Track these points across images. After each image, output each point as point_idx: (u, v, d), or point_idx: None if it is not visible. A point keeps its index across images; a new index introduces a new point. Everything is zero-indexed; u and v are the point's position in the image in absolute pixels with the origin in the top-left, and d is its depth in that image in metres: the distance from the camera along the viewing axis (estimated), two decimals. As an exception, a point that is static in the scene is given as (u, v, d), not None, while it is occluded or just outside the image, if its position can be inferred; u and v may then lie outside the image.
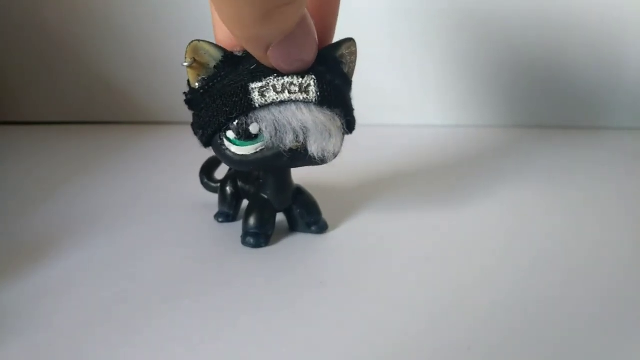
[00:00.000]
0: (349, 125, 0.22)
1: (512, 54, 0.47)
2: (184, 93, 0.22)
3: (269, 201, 0.25)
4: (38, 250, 0.24)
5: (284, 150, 0.20)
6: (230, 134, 0.21)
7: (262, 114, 0.20)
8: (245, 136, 0.20)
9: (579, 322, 0.18)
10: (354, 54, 0.22)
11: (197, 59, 0.20)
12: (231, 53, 0.20)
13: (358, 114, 0.23)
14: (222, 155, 0.21)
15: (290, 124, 0.20)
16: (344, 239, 0.25)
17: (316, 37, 0.19)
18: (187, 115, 0.22)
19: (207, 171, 0.30)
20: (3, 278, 0.22)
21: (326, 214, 0.26)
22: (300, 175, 0.25)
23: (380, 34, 0.47)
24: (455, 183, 0.33)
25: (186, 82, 0.22)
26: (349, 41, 0.22)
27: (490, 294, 0.20)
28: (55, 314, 0.19)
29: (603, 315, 0.19)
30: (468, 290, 0.20)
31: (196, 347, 0.17)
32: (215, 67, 0.21)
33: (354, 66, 0.23)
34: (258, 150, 0.21)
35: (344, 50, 0.22)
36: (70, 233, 0.26)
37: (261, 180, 0.25)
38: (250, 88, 0.20)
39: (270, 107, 0.20)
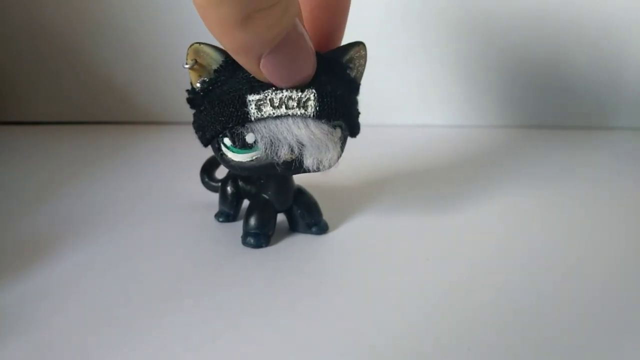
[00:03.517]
0: (352, 129, 0.22)
1: (513, 54, 0.47)
2: (187, 90, 0.22)
3: (269, 201, 0.25)
4: (38, 251, 0.24)
5: (277, 163, 0.20)
6: (227, 140, 0.21)
7: (258, 126, 0.20)
8: (241, 145, 0.20)
9: (578, 323, 0.18)
10: (363, 57, 0.22)
11: (198, 60, 0.20)
12: (232, 57, 0.20)
13: (361, 113, 0.23)
14: (219, 159, 0.21)
15: (286, 139, 0.20)
16: (344, 239, 0.25)
17: (312, 48, 0.19)
18: (187, 115, 0.22)
19: (207, 171, 0.30)
20: (3, 278, 0.22)
21: (326, 215, 0.26)
22: (300, 175, 0.25)
23: (380, 34, 0.47)
24: (455, 183, 0.33)
25: (189, 82, 0.22)
26: (358, 45, 0.21)
27: (491, 294, 0.20)
28: (56, 314, 0.19)
29: (603, 315, 0.19)
30: (468, 291, 0.20)
31: (197, 347, 0.17)
32: (215, 70, 0.20)
33: (363, 70, 0.22)
34: (253, 158, 0.20)
35: (352, 55, 0.21)
36: (71, 233, 0.26)
37: (262, 181, 0.25)
38: (247, 100, 0.19)
39: (266, 120, 0.20)
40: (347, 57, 0.21)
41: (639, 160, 0.39)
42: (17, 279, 0.21)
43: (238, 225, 0.26)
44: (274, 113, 0.19)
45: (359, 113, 0.23)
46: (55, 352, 0.17)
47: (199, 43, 0.20)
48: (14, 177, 0.37)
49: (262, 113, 0.19)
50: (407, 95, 0.49)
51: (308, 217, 0.25)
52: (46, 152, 0.44)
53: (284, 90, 0.19)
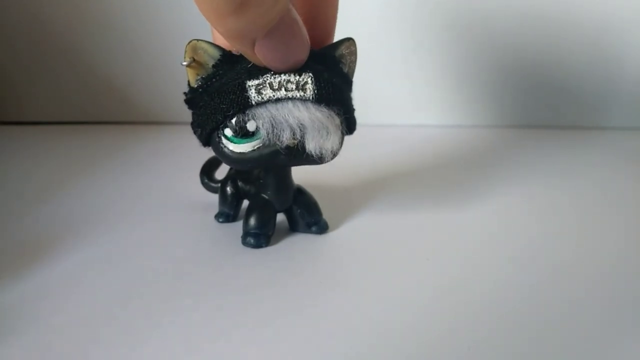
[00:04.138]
0: (349, 125, 0.22)
1: (512, 54, 0.47)
2: (184, 93, 0.22)
3: (269, 201, 0.25)
4: (38, 251, 0.24)
5: (281, 148, 0.20)
6: (228, 131, 0.21)
7: (259, 111, 0.20)
8: (242, 133, 0.20)
9: (578, 322, 0.18)
10: (353, 53, 0.22)
11: (195, 58, 0.20)
12: (229, 52, 0.20)
13: (358, 114, 0.23)
14: (220, 154, 0.21)
15: (287, 121, 0.20)
16: (344, 239, 0.25)
17: (305, 33, 0.19)
18: (187, 115, 0.22)
19: (207, 171, 0.30)
20: (3, 278, 0.22)
21: (326, 214, 0.26)
22: (300, 175, 0.25)
23: (379, 33, 0.47)
24: (454, 183, 0.33)
25: (187, 83, 0.22)
26: (348, 41, 0.22)
27: (490, 294, 0.20)
28: (56, 314, 0.19)
29: (602, 315, 0.19)
30: (468, 290, 0.20)
31: (197, 347, 0.17)
32: (213, 66, 0.21)
33: (354, 66, 0.23)
34: (255, 147, 0.21)
35: (343, 50, 0.22)
36: (71, 233, 0.26)
37: (261, 181, 0.25)
38: (247, 85, 0.20)
39: (267, 105, 0.20)
40: (339, 52, 0.22)
41: (632, 160, 0.39)
42: (17, 279, 0.21)
43: (238, 225, 0.26)
44: (274, 95, 0.20)
45: (354, 109, 0.23)
46: (55, 352, 0.17)
47: (197, 40, 0.20)
48: (14, 177, 0.37)
49: (263, 96, 0.20)
50: (406, 95, 0.50)
51: (308, 216, 0.25)
52: (46, 152, 0.44)
53: (282, 74, 0.20)
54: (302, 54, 0.20)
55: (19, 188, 0.34)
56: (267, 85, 0.20)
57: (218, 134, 0.21)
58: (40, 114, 0.53)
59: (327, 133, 0.20)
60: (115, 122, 0.53)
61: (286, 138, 0.20)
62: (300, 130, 0.20)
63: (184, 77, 0.22)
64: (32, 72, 0.52)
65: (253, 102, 0.20)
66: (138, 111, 0.52)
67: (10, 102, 0.53)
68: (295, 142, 0.20)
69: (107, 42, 0.50)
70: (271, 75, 0.20)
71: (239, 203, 0.27)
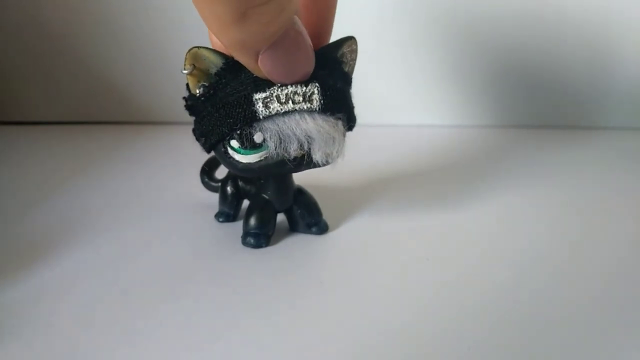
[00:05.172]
0: (350, 123, 0.22)
1: (511, 54, 0.47)
2: (184, 98, 0.21)
3: (269, 201, 0.25)
4: (38, 251, 0.24)
5: (288, 159, 0.20)
6: (234, 143, 0.20)
7: (266, 124, 0.20)
8: (250, 146, 0.20)
9: (577, 322, 0.18)
10: (354, 52, 0.22)
11: (197, 65, 0.20)
12: (232, 59, 0.20)
13: (358, 114, 0.23)
14: (226, 163, 0.21)
15: (295, 134, 0.20)
16: (344, 239, 0.25)
17: (310, 46, 0.19)
18: (187, 115, 0.22)
19: (207, 171, 0.30)
20: (3, 278, 0.22)
21: (326, 215, 0.26)
22: (300, 175, 0.25)
23: (379, 33, 0.47)
24: (454, 183, 0.33)
25: (185, 86, 0.21)
26: (350, 40, 0.22)
27: (490, 294, 0.20)
28: (55, 314, 0.19)
29: (602, 315, 0.19)
30: (468, 291, 0.20)
31: (196, 347, 0.17)
32: (216, 73, 0.20)
33: (354, 64, 0.23)
34: (262, 158, 0.20)
35: (344, 50, 0.22)
36: (70, 233, 0.26)
37: (262, 181, 0.25)
38: (253, 99, 0.19)
39: (274, 118, 0.20)
40: (340, 52, 0.21)
41: (632, 160, 0.39)
42: (17, 279, 0.21)
43: (238, 225, 0.26)
44: (281, 109, 0.19)
45: (354, 106, 0.23)
46: (55, 352, 0.17)
47: (198, 47, 0.20)
48: (14, 177, 0.37)
49: (270, 110, 0.20)
50: (406, 95, 0.49)
51: (308, 217, 0.25)
52: (46, 152, 0.44)
53: (288, 86, 0.19)
54: (307, 68, 0.19)
55: (18, 188, 0.34)
56: (275, 99, 0.19)
57: (224, 144, 0.21)
58: (40, 114, 0.53)
59: (333, 142, 0.20)
60: (115, 122, 0.53)
61: (293, 150, 0.20)
62: (308, 142, 0.20)
63: (185, 78, 0.21)
64: (31, 72, 0.52)
65: (260, 117, 0.20)
66: (138, 111, 0.52)
67: (10, 102, 0.53)
68: (303, 153, 0.20)
69: (107, 42, 0.50)
70: (278, 88, 0.19)
71: (239, 203, 0.27)
